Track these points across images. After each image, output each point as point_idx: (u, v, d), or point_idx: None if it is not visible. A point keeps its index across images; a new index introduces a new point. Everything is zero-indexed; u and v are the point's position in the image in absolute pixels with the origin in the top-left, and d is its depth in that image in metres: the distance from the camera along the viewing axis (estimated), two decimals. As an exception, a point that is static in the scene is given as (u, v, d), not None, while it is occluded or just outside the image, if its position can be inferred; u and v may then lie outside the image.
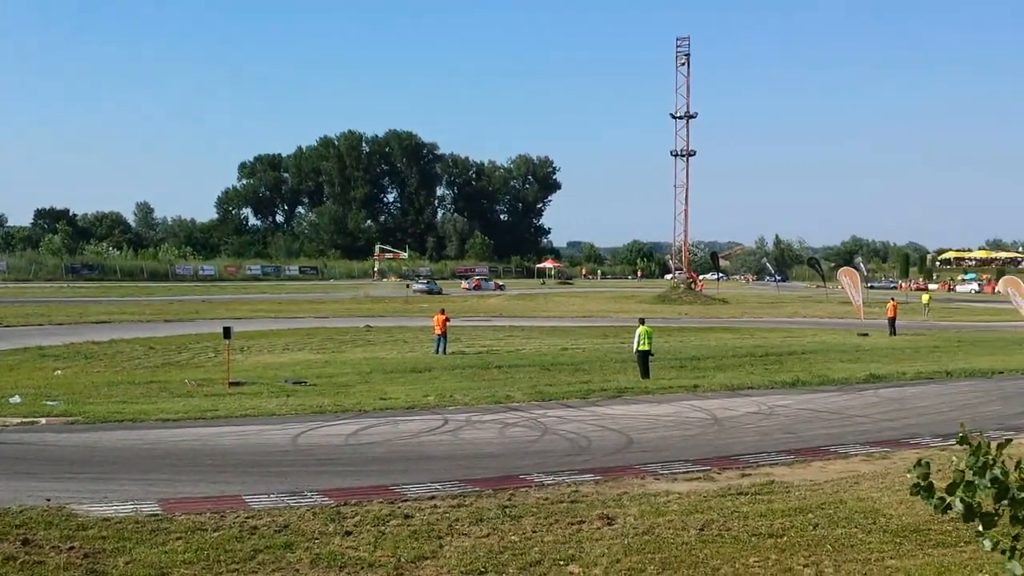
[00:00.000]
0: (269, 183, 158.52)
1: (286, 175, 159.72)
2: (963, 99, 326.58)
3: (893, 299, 46.35)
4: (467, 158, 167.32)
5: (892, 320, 41.67)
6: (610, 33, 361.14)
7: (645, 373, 24.19)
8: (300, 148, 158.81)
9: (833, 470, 13.81)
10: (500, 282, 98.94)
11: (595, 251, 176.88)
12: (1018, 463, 4.39)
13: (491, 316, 51.48)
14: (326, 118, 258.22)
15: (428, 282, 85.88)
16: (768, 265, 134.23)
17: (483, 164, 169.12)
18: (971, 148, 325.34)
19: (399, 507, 11.10)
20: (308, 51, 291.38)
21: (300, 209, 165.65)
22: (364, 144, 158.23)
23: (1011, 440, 5.10)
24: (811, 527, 10.36)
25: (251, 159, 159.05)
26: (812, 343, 36.17)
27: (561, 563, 9.05)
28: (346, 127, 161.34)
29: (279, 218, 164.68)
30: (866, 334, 39.87)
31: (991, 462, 4.13)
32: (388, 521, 10.48)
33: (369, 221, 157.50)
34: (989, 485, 4.09)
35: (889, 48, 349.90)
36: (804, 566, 8.99)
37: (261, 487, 12.13)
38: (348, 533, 9.99)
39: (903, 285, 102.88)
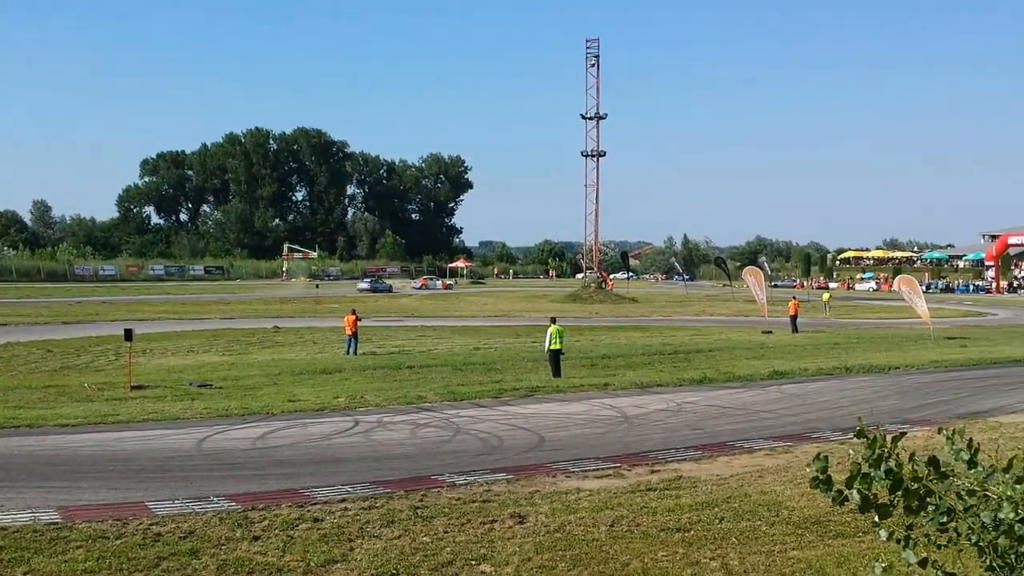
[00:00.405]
0: (172, 181, 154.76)
1: (190, 172, 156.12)
2: (863, 103, 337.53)
3: (795, 298, 47.60)
4: (378, 157, 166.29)
5: (794, 318, 42.83)
6: (522, 33, 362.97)
7: (556, 372, 24.36)
8: (205, 145, 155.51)
9: (738, 464, 14.13)
10: (448, 282, 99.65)
11: (507, 250, 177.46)
12: (912, 455, 4.56)
13: (403, 316, 51.27)
14: (232, 115, 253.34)
15: (373, 280, 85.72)
16: (676, 264, 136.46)
17: (394, 163, 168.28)
18: (867, 152, 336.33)
19: (308, 511, 10.97)
20: (213, 46, 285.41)
21: (205, 208, 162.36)
22: (272, 141, 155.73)
23: (905, 433, 5.30)
24: (717, 521, 10.60)
25: (154, 156, 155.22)
26: (719, 341, 36.90)
27: (473, 563, 9.07)
28: (253, 124, 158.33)
29: (183, 217, 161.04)
30: (770, 332, 40.87)
31: (886, 455, 4.28)
32: (297, 525, 10.35)
33: (277, 220, 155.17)
34: (884, 477, 4.23)
35: (791, 49, 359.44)
36: (710, 559, 9.19)
37: (165, 493, 11.85)
38: (256, 538, 9.84)
39: (800, 284, 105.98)
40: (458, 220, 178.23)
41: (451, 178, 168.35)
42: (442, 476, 13.01)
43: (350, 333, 30.23)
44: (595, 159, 77.71)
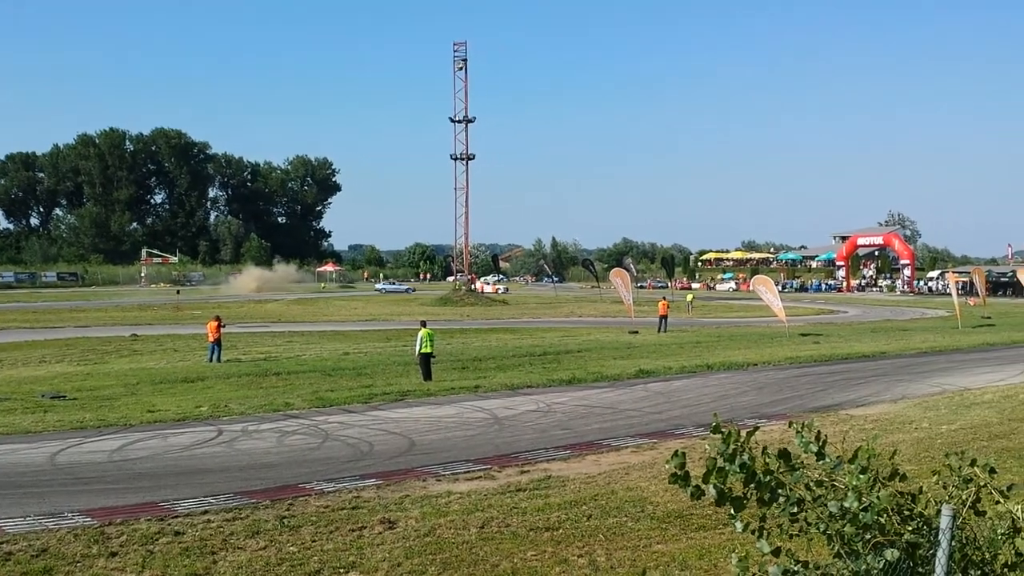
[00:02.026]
0: (22, 183, 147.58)
1: (41, 175, 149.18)
2: (720, 110, 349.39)
3: (665, 298, 48.90)
4: (241, 158, 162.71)
5: (664, 318, 44.00)
6: (392, 35, 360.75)
7: (427, 375, 24.31)
8: (57, 146, 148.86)
9: (606, 462, 14.39)
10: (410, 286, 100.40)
11: (377, 254, 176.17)
12: (764, 449, 4.75)
13: (269, 322, 50.15)
14: (85, 115, 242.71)
15: (389, 282, 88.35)
16: (546, 266, 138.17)
17: (259, 165, 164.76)
18: (726, 157, 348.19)
19: (169, 524, 10.61)
20: (66, 44, 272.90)
21: (58, 211, 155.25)
22: (128, 142, 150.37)
23: (758, 428, 5.51)
24: (585, 518, 10.77)
25: (2, 158, 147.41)
26: (587, 341, 37.53)
27: (341, 571, 8.96)
28: (108, 124, 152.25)
29: (34, 221, 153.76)
30: (637, 332, 41.82)
31: (740, 449, 4.44)
32: (157, 539, 10.00)
33: (135, 224, 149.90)
34: (738, 471, 4.40)
35: (656, 55, 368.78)
36: (578, 556, 9.34)
37: (16, 510, 11.25)
38: (113, 554, 9.46)
39: (650, 284, 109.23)
40: (326, 223, 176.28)
41: (318, 180, 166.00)
42: (310, 484, 12.79)
43: (213, 340, 29.41)
44: (464, 162, 77.90)
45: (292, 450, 15.53)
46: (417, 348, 24.77)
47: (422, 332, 24.81)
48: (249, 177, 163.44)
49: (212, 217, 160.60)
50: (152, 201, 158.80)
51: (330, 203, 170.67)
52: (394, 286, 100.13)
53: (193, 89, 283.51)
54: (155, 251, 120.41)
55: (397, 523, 10.63)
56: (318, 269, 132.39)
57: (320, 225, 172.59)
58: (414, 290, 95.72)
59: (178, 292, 70.73)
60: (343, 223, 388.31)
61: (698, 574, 8.82)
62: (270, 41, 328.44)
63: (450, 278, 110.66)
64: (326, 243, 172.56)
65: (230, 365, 28.22)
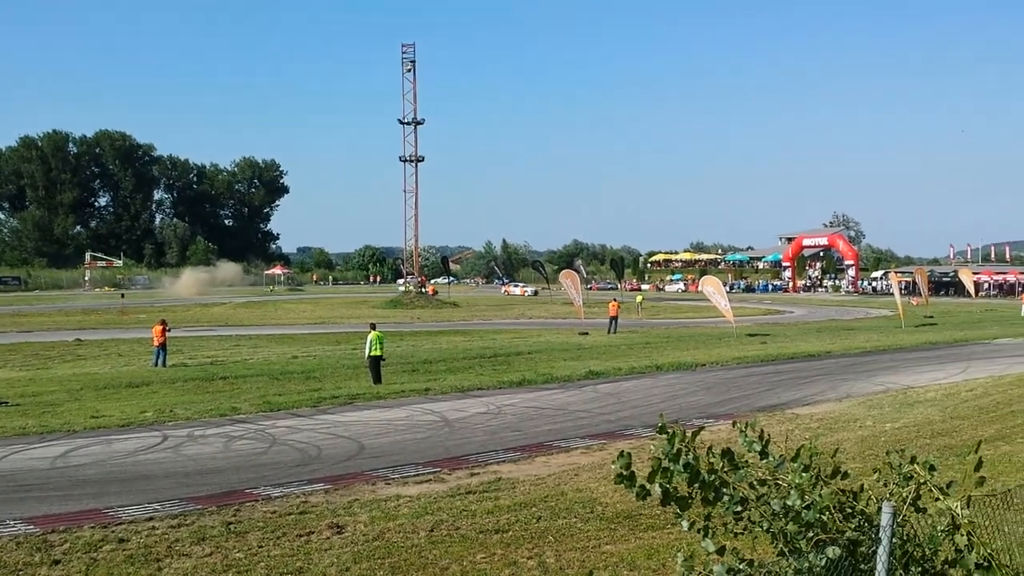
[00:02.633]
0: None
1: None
2: (667, 114, 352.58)
3: (615, 299, 49.16)
4: (187, 160, 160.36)
5: (614, 319, 44.20)
6: (341, 35, 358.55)
7: (377, 378, 24.17)
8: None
9: (556, 464, 14.42)
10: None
11: (326, 256, 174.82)
12: (709, 448, 4.78)
13: (216, 325, 49.49)
14: (27, 118, 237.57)
15: (411, 279, 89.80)
16: (496, 268, 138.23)
17: (205, 167, 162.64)
18: (674, 159, 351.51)
19: (113, 531, 10.43)
20: (4, 47, 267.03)
21: (0, 215, 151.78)
22: (71, 145, 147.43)
23: (704, 428, 5.55)
24: (535, 520, 10.78)
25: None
26: (537, 343, 37.60)
27: (289, 576, 8.87)
28: (50, 127, 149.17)
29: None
30: (586, 333, 41.98)
31: (684, 449, 4.47)
32: (101, 547, 9.82)
33: (79, 227, 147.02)
34: (683, 470, 4.43)
35: (610, 61, 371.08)
36: (528, 558, 9.34)
37: (-46, 520, 10.97)
38: (56, 562, 9.28)
39: (595, 287, 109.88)
40: (274, 226, 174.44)
41: (266, 182, 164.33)
42: (257, 489, 12.64)
43: (158, 344, 28.95)
44: (414, 164, 77.63)
45: (239, 455, 15.34)
46: (366, 351, 24.62)
47: (371, 335, 24.68)
48: (195, 179, 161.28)
49: (157, 220, 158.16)
50: (96, 204, 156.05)
51: (278, 205, 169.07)
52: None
53: (138, 91, 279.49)
54: (99, 255, 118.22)
55: (345, 528, 10.55)
56: (266, 272, 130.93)
57: (268, 227, 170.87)
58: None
59: (123, 296, 69.43)
60: (291, 225, 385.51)
61: (647, 574, 8.86)
62: (216, 41, 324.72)
63: (400, 280, 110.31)
64: (274, 245, 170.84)
65: (176, 369, 27.81)
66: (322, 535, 10.28)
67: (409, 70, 76.67)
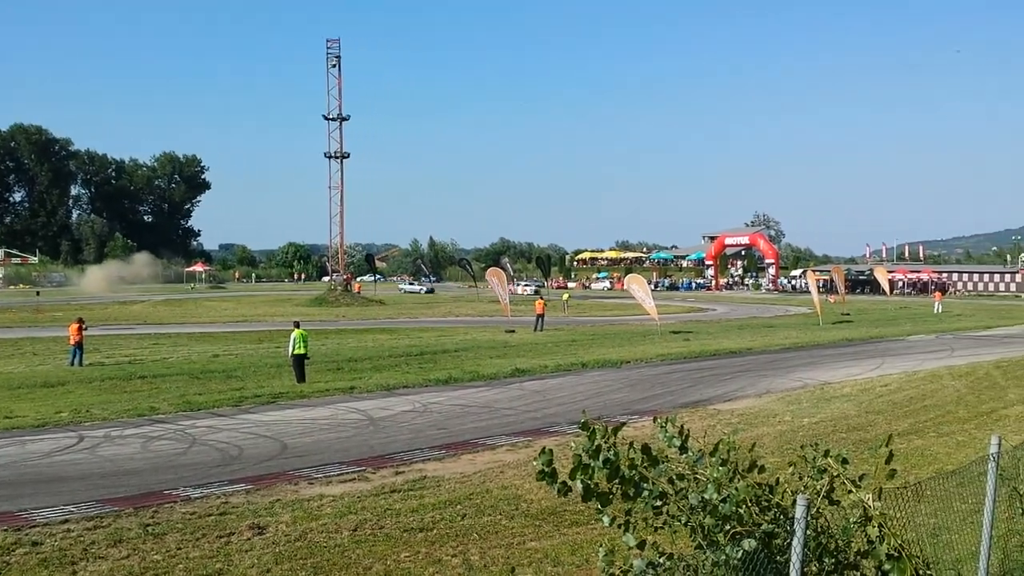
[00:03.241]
0: None
1: None
2: (594, 115, 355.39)
3: (541, 297, 49.34)
4: (105, 155, 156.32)
5: (541, 316, 44.37)
6: (264, 30, 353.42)
7: (301, 377, 23.89)
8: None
9: (481, 461, 14.43)
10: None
11: (249, 254, 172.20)
12: (631, 444, 4.83)
13: (135, 324, 48.36)
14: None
15: (417, 281, 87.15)
16: (423, 266, 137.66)
17: (124, 162, 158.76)
18: (601, 159, 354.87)
19: (26, 534, 10.14)
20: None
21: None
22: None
23: (625, 424, 5.60)
24: (460, 518, 10.78)
25: None
26: (464, 341, 37.55)
27: (208, 579, 8.72)
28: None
29: None
30: (513, 331, 42.04)
31: (604, 446, 4.50)
32: (14, 550, 9.55)
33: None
34: (603, 467, 4.47)
35: (540, 61, 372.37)
36: (452, 556, 9.33)
37: None
38: (-37, 569, 8.97)
39: (514, 288, 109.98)
40: (195, 222, 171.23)
41: (187, 178, 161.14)
42: (176, 490, 12.39)
43: (75, 343, 28.17)
44: (339, 161, 76.86)
45: (157, 456, 15.02)
46: (290, 349, 24.32)
47: (295, 333, 24.38)
48: (114, 174, 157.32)
49: (74, 216, 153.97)
50: (11, 199, 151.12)
51: (199, 201, 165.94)
52: (414, 286, 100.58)
53: (54, 84, 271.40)
54: (14, 251, 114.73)
55: (267, 528, 10.41)
56: (187, 269, 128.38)
57: (189, 224, 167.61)
58: (432, 290, 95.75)
59: (38, 294, 67.43)
60: (213, 222, 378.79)
61: (570, 569, 8.92)
62: (136, 33, 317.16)
63: (325, 278, 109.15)
64: (195, 242, 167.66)
65: (93, 369, 27.10)
66: (243, 536, 10.13)
67: (334, 65, 75.83)
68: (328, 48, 76.19)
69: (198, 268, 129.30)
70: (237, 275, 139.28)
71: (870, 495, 4.76)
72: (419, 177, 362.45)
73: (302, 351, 24.18)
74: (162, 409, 19.37)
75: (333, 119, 76.43)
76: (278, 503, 11.63)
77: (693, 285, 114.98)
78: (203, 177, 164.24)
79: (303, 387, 22.89)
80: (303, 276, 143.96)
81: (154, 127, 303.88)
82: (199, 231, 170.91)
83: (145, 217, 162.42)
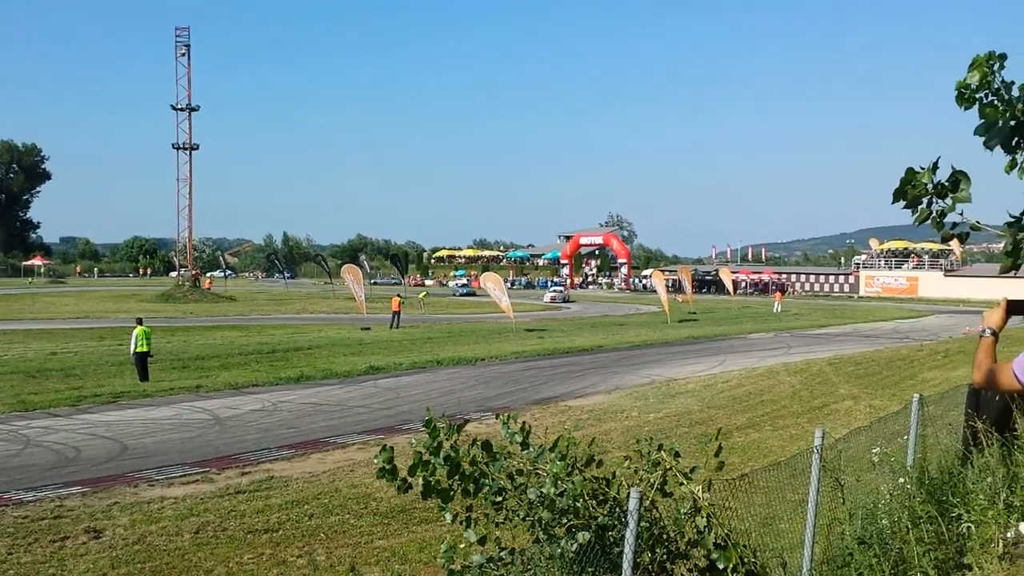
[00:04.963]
0: None
1: None
2: (453, 116, 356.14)
3: (398, 295, 49.07)
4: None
5: (397, 314, 44.16)
6: (112, 15, 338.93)
7: (143, 376, 23.07)
8: None
9: (331, 460, 14.28)
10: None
11: (92, 247, 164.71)
12: (473, 441, 4.90)
13: (-36, 319, 45.53)
14: None
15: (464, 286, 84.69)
16: (277, 262, 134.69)
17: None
18: (460, 159, 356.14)
19: None
20: None
21: None
22: None
23: (469, 420, 5.68)
24: (307, 518, 10.65)
25: None
26: (318, 338, 37.00)
27: (38, 587, 8.34)
28: None
29: None
30: (369, 328, 41.70)
31: (445, 442, 4.56)
32: None
33: None
34: (443, 463, 4.52)
35: (392, 59, 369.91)
36: (298, 556, 9.22)
37: None
38: None
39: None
40: (35, 214, 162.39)
41: (26, 168, 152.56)
42: (7, 494, 11.79)
43: None
44: (187, 152, 74.41)
45: (-14, 459, 14.23)
46: (132, 347, 23.44)
47: (137, 330, 23.51)
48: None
49: None
50: None
51: (39, 192, 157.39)
52: (465, 287, 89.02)
53: None
54: None
55: (104, 532, 10.04)
56: (25, 263, 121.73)
57: (27, 215, 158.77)
58: (474, 293, 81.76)
59: None
60: (54, 214, 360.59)
61: (417, 567, 8.95)
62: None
63: (172, 273, 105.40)
64: (34, 235, 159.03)
65: (-86, 368, 25.41)
66: (78, 540, 9.74)
67: (183, 54, 73.37)
68: (177, 36, 73.74)
69: (37, 262, 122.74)
70: (79, 269, 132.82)
71: (700, 487, 4.98)
72: (274, 171, 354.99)
73: (145, 349, 23.35)
74: (-8, 410, 18.35)
75: (182, 109, 73.97)
76: (116, 506, 11.22)
77: (549, 283, 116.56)
78: (43, 167, 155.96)
79: (146, 386, 22.11)
80: (149, 271, 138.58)
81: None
82: (38, 223, 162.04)
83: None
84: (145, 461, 14.05)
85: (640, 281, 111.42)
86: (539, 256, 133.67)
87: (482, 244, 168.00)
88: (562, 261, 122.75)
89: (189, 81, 73.93)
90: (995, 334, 3.97)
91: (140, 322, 24.52)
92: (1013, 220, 4.49)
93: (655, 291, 60.30)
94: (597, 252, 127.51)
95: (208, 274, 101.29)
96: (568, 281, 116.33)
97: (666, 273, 79.33)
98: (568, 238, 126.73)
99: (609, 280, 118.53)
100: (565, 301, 74.55)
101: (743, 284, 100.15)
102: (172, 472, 13.25)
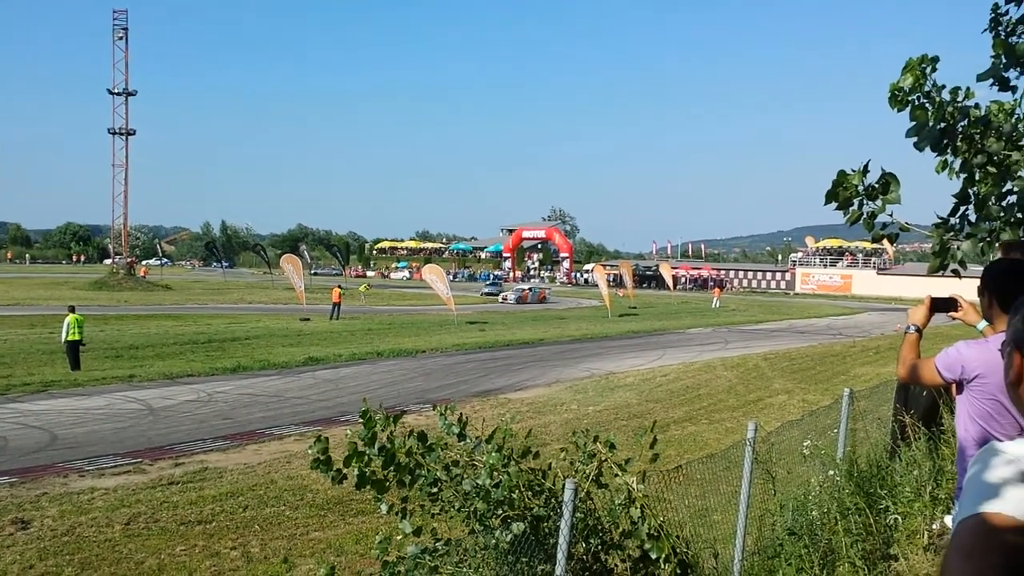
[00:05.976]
0: None
1: None
2: (399, 108, 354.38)
3: (338, 286, 48.67)
4: None
5: (337, 305, 43.80)
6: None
7: (75, 364, 22.57)
8: None
9: (267, 452, 14.13)
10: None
11: (23, 233, 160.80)
12: (411, 432, 4.89)
13: None
14: None
15: (494, 283, 78.52)
16: (216, 251, 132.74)
17: None
18: (405, 151, 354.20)
19: None
20: None
21: None
22: None
23: (405, 412, 5.66)
24: (241, 509, 10.52)
25: None
26: (256, 328, 36.53)
27: (-40, 580, 8.13)
28: None
29: None
30: (308, 319, 41.30)
31: (380, 433, 4.54)
32: None
33: None
34: (378, 454, 4.50)
35: (340, 49, 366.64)
36: (231, 548, 9.10)
37: None
38: None
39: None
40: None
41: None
42: (-72, 486, 11.46)
43: None
44: (124, 137, 72.88)
45: (-93, 449, 13.82)
46: (64, 335, 22.92)
47: (69, 318, 22.98)
48: None
49: None
50: None
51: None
52: (494, 286, 77.25)
53: None
54: None
55: (31, 523, 9.81)
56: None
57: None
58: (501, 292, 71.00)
59: None
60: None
61: (353, 559, 8.90)
62: None
63: (107, 261, 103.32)
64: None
65: None
66: (5, 531, 9.51)
67: (121, 38, 71.78)
68: (115, 19, 72.09)
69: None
70: (9, 255, 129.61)
71: (635, 478, 5.03)
72: (214, 159, 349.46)
73: (76, 337, 22.84)
74: (-86, 398, 17.83)
75: (118, 93, 72.41)
76: (45, 496, 10.97)
77: (491, 276, 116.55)
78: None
79: (77, 375, 21.64)
80: (83, 258, 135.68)
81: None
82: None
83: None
84: (76, 451, 13.75)
85: (581, 275, 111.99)
86: (482, 249, 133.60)
87: (425, 236, 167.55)
88: (504, 254, 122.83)
89: (127, 65, 72.42)
90: (919, 331, 4.07)
91: (72, 310, 23.97)
92: (940, 221, 4.59)
93: (596, 285, 60.55)
94: (540, 246, 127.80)
95: (144, 262, 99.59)
96: (510, 274, 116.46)
97: (607, 268, 79.77)
98: (511, 231, 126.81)
99: (551, 274, 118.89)
100: (541, 301, 66.21)
101: (683, 280, 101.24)
102: (103, 463, 12.99)
